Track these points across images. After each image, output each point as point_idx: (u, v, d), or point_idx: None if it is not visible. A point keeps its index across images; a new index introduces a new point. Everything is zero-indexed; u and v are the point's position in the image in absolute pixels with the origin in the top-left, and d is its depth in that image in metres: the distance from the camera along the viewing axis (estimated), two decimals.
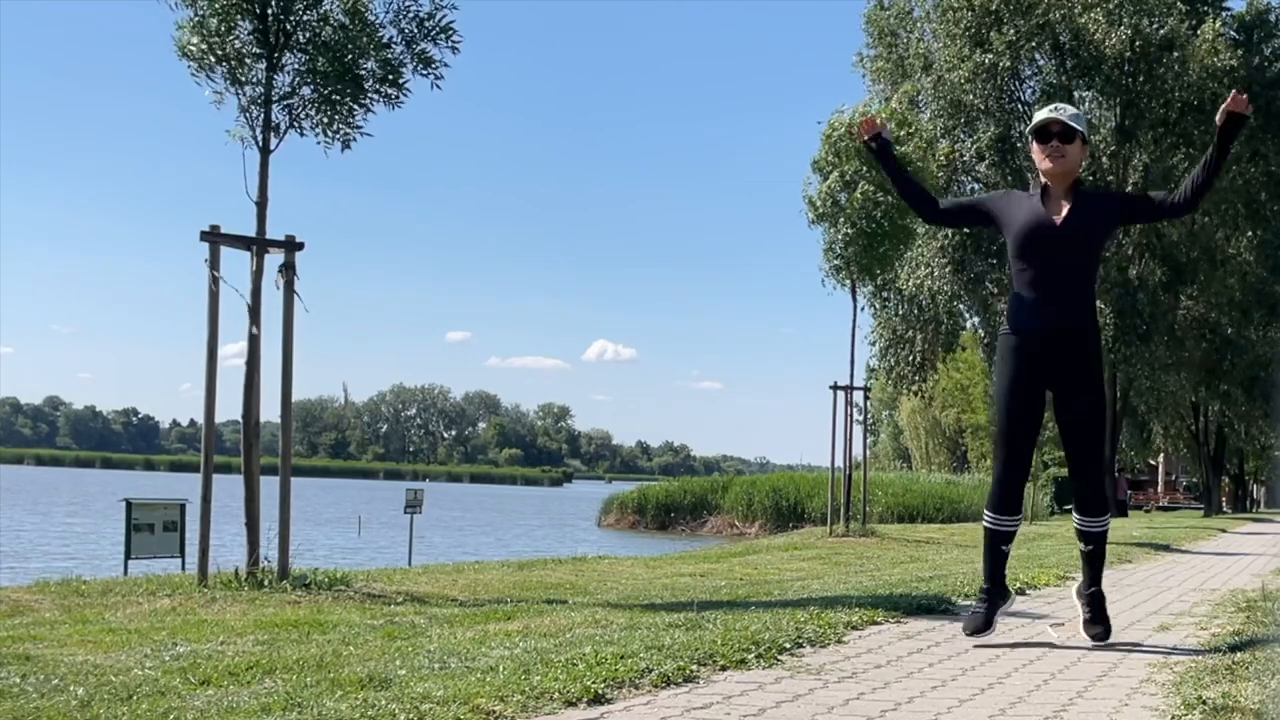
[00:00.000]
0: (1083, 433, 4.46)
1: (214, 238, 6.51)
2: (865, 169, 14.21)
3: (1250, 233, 32.55)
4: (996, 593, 4.65)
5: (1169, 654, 4.39)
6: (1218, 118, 4.33)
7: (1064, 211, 4.45)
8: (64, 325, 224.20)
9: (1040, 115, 4.54)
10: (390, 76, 6.95)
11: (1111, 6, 28.93)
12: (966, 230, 29.01)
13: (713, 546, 16.38)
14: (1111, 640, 4.68)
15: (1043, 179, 4.54)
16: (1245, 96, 4.33)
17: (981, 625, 4.59)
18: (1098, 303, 4.85)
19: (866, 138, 4.81)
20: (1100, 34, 28.76)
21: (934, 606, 5.55)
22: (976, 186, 30.97)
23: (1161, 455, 54.60)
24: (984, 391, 48.79)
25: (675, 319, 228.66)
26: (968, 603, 5.96)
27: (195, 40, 6.68)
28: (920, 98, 29.49)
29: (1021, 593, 6.60)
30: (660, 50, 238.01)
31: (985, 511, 4.66)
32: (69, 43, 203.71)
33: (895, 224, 14.31)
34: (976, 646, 4.47)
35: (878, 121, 4.80)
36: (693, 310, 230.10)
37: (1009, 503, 4.58)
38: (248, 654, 4.07)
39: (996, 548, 4.61)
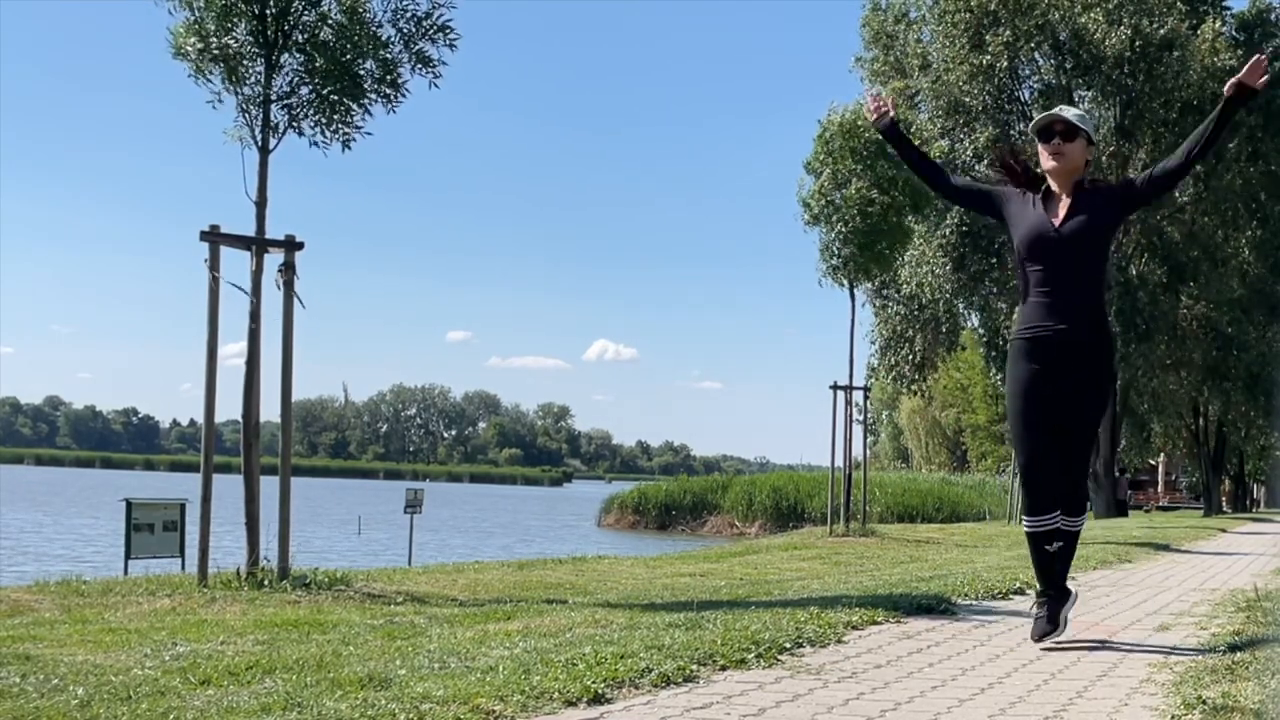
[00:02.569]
0: (1074, 436, 4.44)
1: (214, 238, 6.51)
2: (858, 167, 14.21)
3: (1250, 232, 32.57)
4: (1055, 596, 4.58)
5: (1169, 654, 4.39)
6: (1226, 88, 4.24)
7: (1065, 209, 4.42)
8: (64, 325, 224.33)
9: (1041, 116, 4.54)
10: (389, 76, 6.95)
11: (1111, 6, 28.94)
12: (965, 229, 29.05)
13: (713, 546, 16.38)
14: (1107, 642, 4.68)
15: (1047, 179, 4.52)
16: (1264, 61, 4.22)
17: (1048, 629, 4.51)
18: None
19: (873, 119, 4.83)
20: (1100, 34, 28.77)
21: (934, 606, 5.55)
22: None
23: (1161, 455, 54.59)
24: (984, 391, 48.77)
25: (676, 319, 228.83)
26: (967, 602, 5.97)
27: (192, 40, 6.68)
28: (918, 98, 29.52)
29: (1021, 592, 6.60)
30: (659, 50, 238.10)
31: (1023, 517, 4.63)
32: (68, 42, 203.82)
33: (892, 223, 14.30)
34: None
35: (885, 103, 4.80)
36: (693, 310, 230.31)
37: (1041, 502, 4.49)
38: (248, 654, 4.07)
39: (1041, 549, 4.54)
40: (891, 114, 4.77)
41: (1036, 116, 4.58)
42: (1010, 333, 4.64)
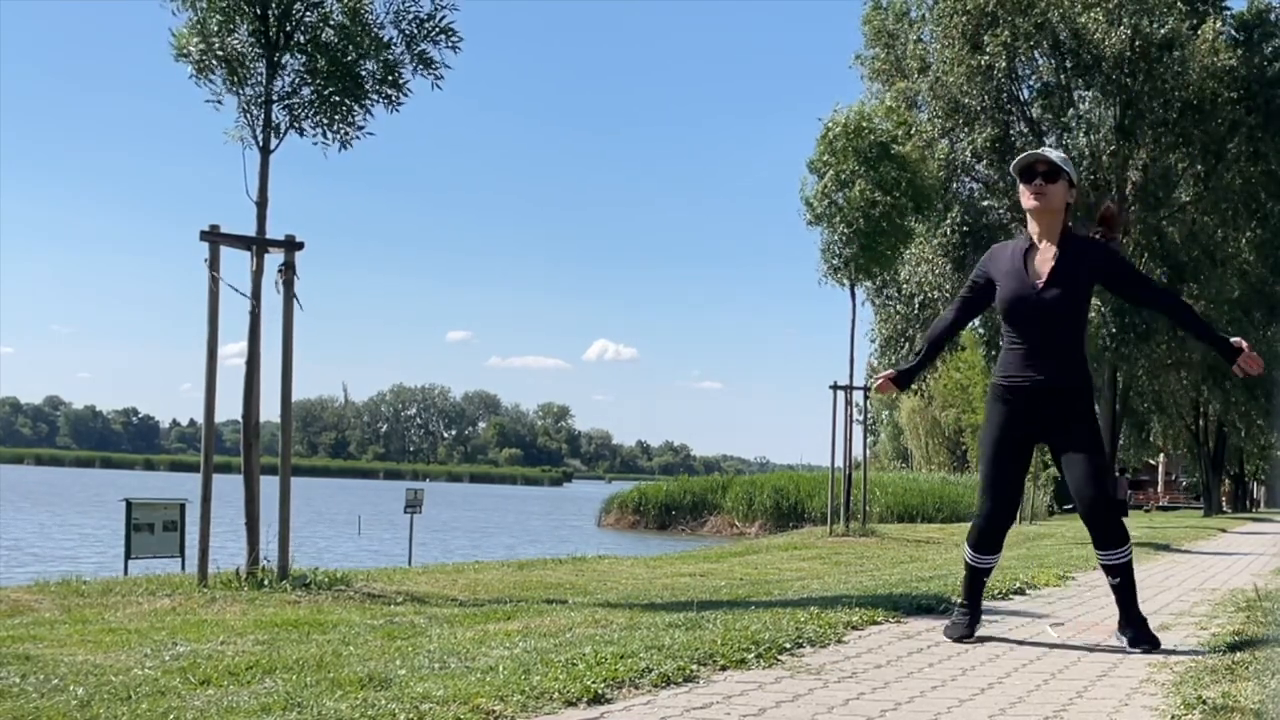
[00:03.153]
0: (1086, 482, 4.40)
1: (214, 238, 6.51)
2: (861, 168, 14.22)
3: (1250, 232, 32.56)
4: (974, 613, 4.72)
5: (1169, 654, 4.39)
6: (1234, 367, 4.44)
7: (1046, 272, 4.42)
8: (64, 325, 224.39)
9: (1021, 156, 4.57)
10: (390, 77, 6.95)
11: (1111, 6, 28.92)
12: (966, 229, 29.06)
13: (713, 546, 16.39)
14: (1108, 642, 4.68)
15: (1029, 223, 4.55)
16: (1260, 361, 4.44)
17: (967, 633, 4.63)
18: (1097, 301, 4.87)
19: (895, 391, 5.02)
20: (1100, 34, 28.76)
21: (934, 606, 5.55)
22: (976, 187, 30.99)
23: (1161, 455, 54.60)
24: (984, 391, 48.70)
25: (676, 319, 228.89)
26: (958, 601, 5.96)
27: (195, 41, 6.68)
28: (918, 98, 29.53)
29: (1021, 592, 6.60)
30: (659, 50, 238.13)
31: (966, 546, 4.70)
32: (68, 42, 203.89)
33: (893, 223, 14.31)
34: (972, 643, 4.49)
35: (885, 379, 4.91)
36: (693, 310, 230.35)
37: (991, 544, 4.62)
38: (248, 654, 4.07)
39: (978, 579, 4.70)
40: (893, 374, 4.89)
41: (1019, 157, 4.58)
42: (992, 377, 4.70)
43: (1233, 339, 4.47)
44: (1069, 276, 4.41)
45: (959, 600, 4.81)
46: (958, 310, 4.79)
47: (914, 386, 35.56)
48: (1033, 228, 4.54)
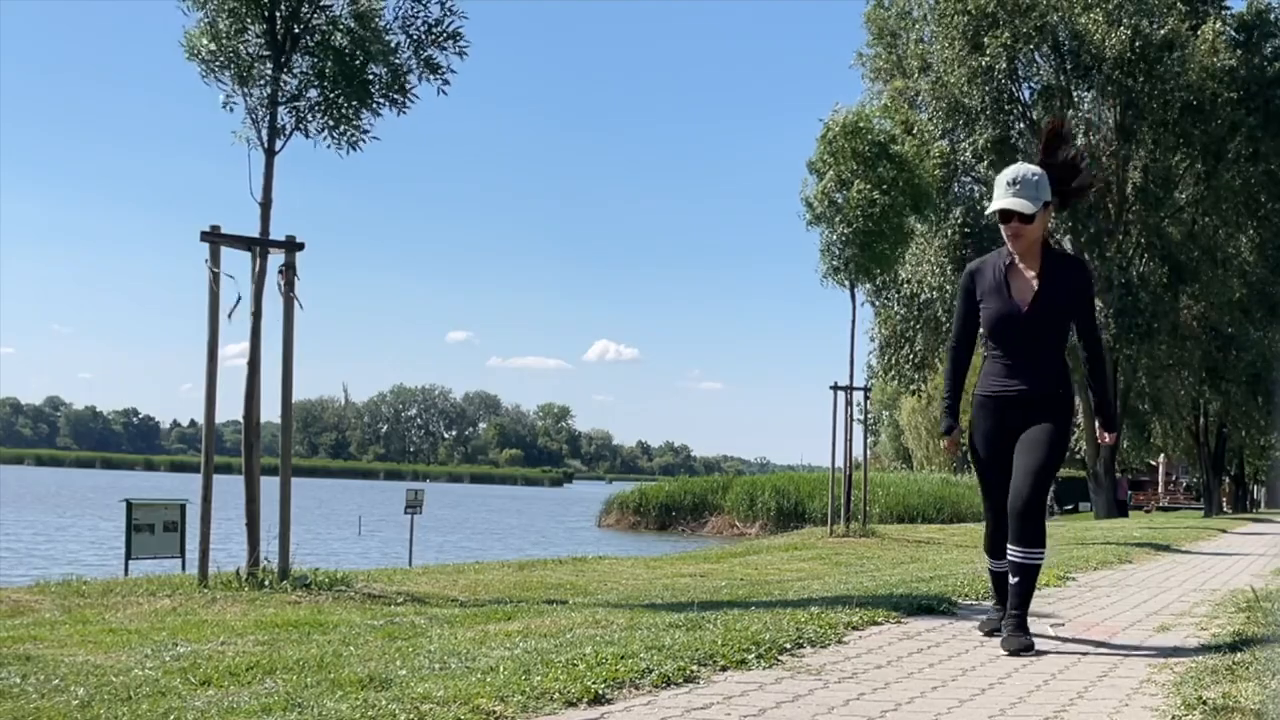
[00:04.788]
0: (1025, 476, 4.45)
1: (214, 238, 6.51)
2: (860, 168, 14.22)
3: (1250, 232, 32.56)
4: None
5: (1169, 654, 4.39)
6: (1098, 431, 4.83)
7: (1031, 293, 4.51)
8: (64, 325, 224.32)
9: (998, 199, 4.51)
10: (397, 82, 6.94)
11: (1111, 6, 28.93)
12: (968, 230, 29.08)
13: (713, 547, 16.39)
14: (1107, 642, 4.68)
15: (1009, 244, 4.57)
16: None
17: (998, 628, 4.68)
18: (1097, 301, 4.89)
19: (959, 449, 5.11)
20: (1100, 34, 28.77)
21: (934, 607, 5.56)
22: (976, 187, 30.99)
23: (1161, 455, 54.57)
24: None
25: (676, 319, 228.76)
26: (968, 602, 5.97)
27: (206, 41, 6.68)
28: (919, 98, 29.54)
29: None
30: (660, 50, 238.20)
31: (986, 554, 4.89)
32: (69, 41, 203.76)
33: (893, 224, 14.31)
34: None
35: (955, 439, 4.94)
36: (694, 310, 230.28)
37: (1004, 549, 4.64)
38: (248, 654, 4.07)
39: (1002, 581, 4.74)
40: (952, 435, 4.91)
41: (994, 192, 4.59)
42: (975, 389, 4.77)
43: (1101, 430, 5.06)
44: (1050, 298, 4.52)
45: (992, 603, 5.07)
46: (965, 327, 4.78)
47: (913, 387, 35.64)
48: (1012, 248, 4.59)
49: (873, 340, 33.09)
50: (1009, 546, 4.48)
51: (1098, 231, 30.88)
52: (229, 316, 6.53)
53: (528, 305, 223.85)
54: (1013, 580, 4.47)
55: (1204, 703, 3.23)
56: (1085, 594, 6.97)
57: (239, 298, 6.57)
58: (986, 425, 4.65)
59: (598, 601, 6.33)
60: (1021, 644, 4.37)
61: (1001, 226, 4.56)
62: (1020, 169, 4.56)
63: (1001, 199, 4.51)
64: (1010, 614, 4.49)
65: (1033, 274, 4.54)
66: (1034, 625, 5.09)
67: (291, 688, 3.35)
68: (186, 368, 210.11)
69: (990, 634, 4.78)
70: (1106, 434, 5.02)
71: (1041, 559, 4.51)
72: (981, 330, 4.68)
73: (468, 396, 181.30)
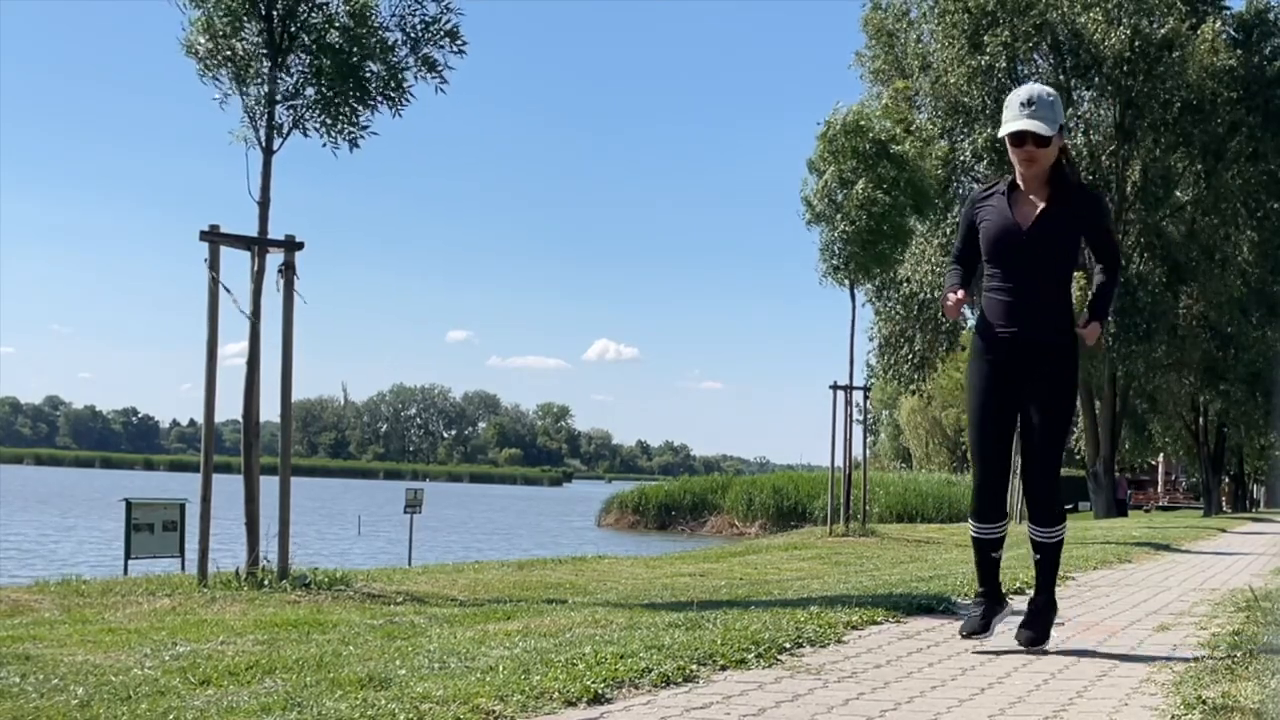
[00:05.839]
0: (1038, 449, 4.34)
1: (213, 238, 6.51)
2: (861, 167, 14.21)
3: (1250, 232, 32.58)
4: (992, 600, 4.54)
5: (1169, 654, 4.39)
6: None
7: (1035, 215, 4.27)
8: (64, 325, 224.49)
9: (1011, 121, 4.24)
10: (394, 80, 6.94)
11: (1111, 6, 28.95)
12: None
13: (713, 546, 16.39)
14: (1107, 642, 4.68)
15: (1017, 169, 4.34)
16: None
17: (978, 629, 4.47)
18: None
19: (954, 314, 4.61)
20: (1100, 34, 28.78)
21: (934, 606, 5.55)
22: (976, 186, 30.98)
23: (1161, 455, 54.59)
24: None
25: (676, 319, 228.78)
26: (968, 602, 5.97)
27: (203, 40, 6.68)
28: (918, 98, 29.54)
29: (1021, 592, 6.60)
30: (660, 50, 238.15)
31: (970, 520, 4.56)
32: (68, 40, 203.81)
33: (893, 223, 14.30)
34: (975, 652, 4.45)
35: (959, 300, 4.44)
36: (694, 310, 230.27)
37: (991, 509, 4.45)
38: (248, 654, 4.07)
39: (986, 555, 4.50)
40: (961, 298, 4.40)
41: (1005, 114, 4.30)
42: (973, 328, 4.55)
43: (1086, 322, 4.37)
44: (1056, 221, 4.26)
45: (977, 592, 4.60)
46: (965, 251, 4.50)
47: (913, 387, 35.63)
48: (1021, 172, 4.34)
49: (872, 340, 33.12)
50: (1030, 527, 4.45)
51: None
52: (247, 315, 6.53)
53: (528, 305, 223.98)
54: (1036, 557, 4.44)
55: (1204, 702, 3.23)
56: (1085, 593, 6.97)
57: (239, 306, 6.57)
58: (985, 372, 4.35)
59: (597, 601, 6.33)
60: (1034, 638, 4.40)
61: (1013, 151, 4.27)
62: (1034, 88, 4.33)
63: (1016, 120, 4.21)
64: (1036, 597, 4.48)
65: (1042, 195, 4.28)
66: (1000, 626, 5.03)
67: (291, 687, 3.35)
68: (186, 367, 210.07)
69: (970, 635, 4.46)
70: (1088, 331, 4.36)
71: (1063, 534, 4.46)
72: (983, 257, 4.38)
73: (467, 396, 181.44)
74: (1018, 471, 4.77)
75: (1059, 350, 4.31)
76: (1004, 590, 6.07)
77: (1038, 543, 4.45)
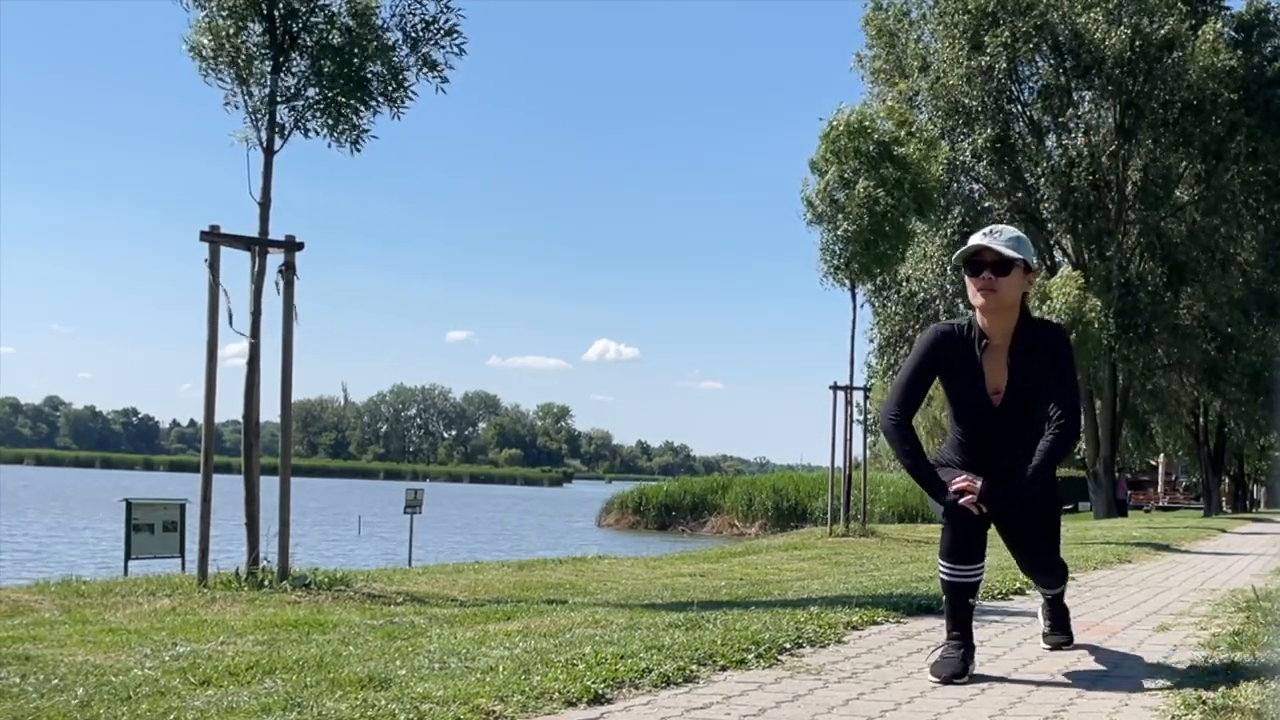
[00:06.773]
0: (1029, 554, 4.10)
1: (213, 238, 6.51)
2: (863, 168, 14.22)
3: (1250, 232, 32.60)
4: (968, 643, 3.83)
5: (1169, 654, 4.39)
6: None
7: (1004, 381, 3.80)
8: (64, 325, 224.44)
9: (972, 241, 3.80)
10: (395, 80, 6.94)
11: (1111, 6, 28.96)
12: (967, 229, 29.09)
13: (713, 546, 16.39)
14: (1107, 642, 4.68)
15: (977, 317, 3.82)
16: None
17: (959, 671, 3.73)
18: (1096, 302, 4.75)
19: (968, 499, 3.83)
20: (1100, 34, 28.79)
21: (934, 606, 5.55)
22: (976, 187, 30.99)
23: (1161, 455, 54.61)
24: None
25: (677, 319, 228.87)
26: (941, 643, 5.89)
27: (206, 40, 6.68)
28: (918, 98, 29.55)
29: (1020, 592, 6.60)
30: (660, 50, 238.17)
31: (940, 561, 3.85)
32: (69, 40, 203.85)
33: (895, 224, 14.31)
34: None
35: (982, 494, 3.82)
36: (694, 310, 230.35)
37: (969, 549, 3.78)
38: (248, 654, 4.07)
39: (962, 601, 3.81)
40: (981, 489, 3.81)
41: (962, 248, 3.82)
42: (938, 453, 4.14)
43: (981, 484, 3.78)
44: (1024, 378, 3.81)
45: (948, 633, 3.86)
46: (911, 394, 3.99)
47: None
48: (982, 322, 3.81)
49: (872, 340, 33.13)
50: (1039, 589, 4.46)
51: (1098, 231, 30.90)
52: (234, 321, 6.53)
53: (528, 305, 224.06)
54: (1047, 598, 4.47)
55: (1204, 702, 3.23)
56: (1085, 594, 6.97)
57: (233, 313, 6.57)
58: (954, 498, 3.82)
59: (597, 601, 6.33)
60: (1062, 641, 4.46)
61: (970, 282, 3.77)
62: (999, 226, 3.93)
63: (973, 239, 3.81)
64: (1049, 605, 4.51)
65: (1006, 353, 3.80)
66: (1034, 625, 5.07)
67: (291, 687, 3.35)
68: (186, 368, 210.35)
69: (949, 681, 3.69)
70: (978, 493, 3.76)
71: (1067, 580, 4.48)
72: (948, 407, 4.00)
73: (467, 396, 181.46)
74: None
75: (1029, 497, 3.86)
76: (1003, 592, 6.09)
77: (1047, 599, 4.49)
